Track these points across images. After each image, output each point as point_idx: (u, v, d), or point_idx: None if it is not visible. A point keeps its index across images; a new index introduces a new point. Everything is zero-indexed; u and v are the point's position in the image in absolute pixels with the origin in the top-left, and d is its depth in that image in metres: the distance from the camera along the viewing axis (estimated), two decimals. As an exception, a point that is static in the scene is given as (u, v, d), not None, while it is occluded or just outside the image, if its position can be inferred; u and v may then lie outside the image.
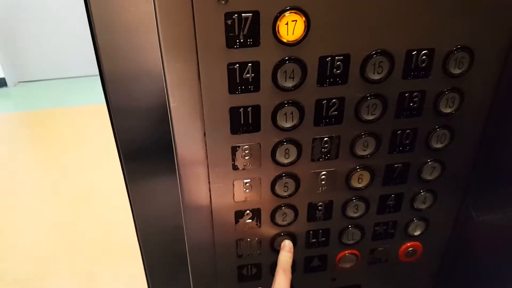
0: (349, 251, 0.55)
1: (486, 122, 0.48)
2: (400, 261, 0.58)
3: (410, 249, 0.57)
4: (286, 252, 0.50)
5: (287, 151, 0.44)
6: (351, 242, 0.54)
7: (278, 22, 0.36)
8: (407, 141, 0.47)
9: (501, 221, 0.49)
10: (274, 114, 0.41)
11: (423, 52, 0.41)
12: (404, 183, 0.50)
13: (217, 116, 0.41)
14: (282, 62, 0.38)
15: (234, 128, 0.42)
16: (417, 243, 0.57)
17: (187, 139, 0.41)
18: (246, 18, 0.36)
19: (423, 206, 0.53)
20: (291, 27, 0.36)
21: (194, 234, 0.49)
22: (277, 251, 0.52)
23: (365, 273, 0.58)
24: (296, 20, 0.36)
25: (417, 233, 0.56)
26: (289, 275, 0.48)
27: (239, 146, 0.43)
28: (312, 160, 0.46)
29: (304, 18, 0.36)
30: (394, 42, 0.40)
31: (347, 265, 0.56)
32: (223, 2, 0.34)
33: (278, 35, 0.37)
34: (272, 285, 0.48)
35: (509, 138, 0.47)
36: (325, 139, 0.44)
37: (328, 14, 0.37)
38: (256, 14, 0.36)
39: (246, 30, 0.36)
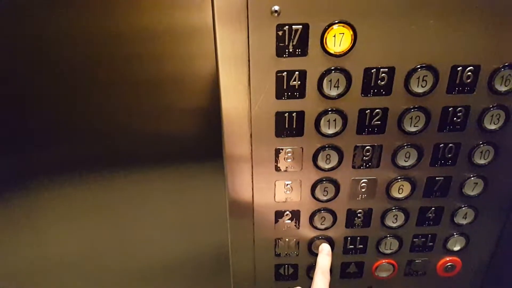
0: (386, 260, 0.56)
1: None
2: (438, 276, 0.58)
3: (449, 264, 0.57)
4: (325, 255, 0.52)
5: (328, 156, 0.46)
6: (388, 251, 0.55)
7: (326, 34, 0.39)
8: (450, 155, 0.47)
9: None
10: (318, 121, 0.44)
11: (469, 68, 0.42)
12: (445, 197, 0.51)
13: (264, 119, 0.44)
14: (328, 72, 0.41)
15: (279, 132, 0.44)
16: (456, 258, 0.56)
17: (235, 139, 0.45)
18: (296, 29, 0.38)
19: (464, 222, 0.53)
20: (338, 39, 0.39)
21: (236, 230, 0.52)
22: (314, 254, 0.54)
23: (402, 285, 0.59)
24: (343, 33, 0.39)
25: (456, 248, 0.55)
26: (328, 277, 0.50)
27: (282, 149, 0.46)
28: (353, 167, 0.47)
29: (351, 31, 0.39)
30: (439, 57, 0.41)
31: (384, 274, 0.57)
32: (276, 14, 0.37)
33: (326, 46, 0.39)
34: (311, 286, 0.49)
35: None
36: (367, 147, 0.46)
37: (375, 28, 0.39)
38: (305, 26, 0.38)
39: (295, 40, 0.39)
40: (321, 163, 0.47)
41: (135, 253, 0.61)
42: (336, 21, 0.38)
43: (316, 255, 0.54)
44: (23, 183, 0.54)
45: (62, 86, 0.48)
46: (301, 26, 0.38)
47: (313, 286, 0.49)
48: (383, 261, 0.56)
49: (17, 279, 0.61)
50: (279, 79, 0.41)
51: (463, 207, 0.52)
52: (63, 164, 0.53)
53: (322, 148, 0.46)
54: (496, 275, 0.58)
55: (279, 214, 0.51)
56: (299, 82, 0.41)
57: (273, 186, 0.48)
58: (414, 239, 0.54)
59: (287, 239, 0.53)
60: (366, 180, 0.49)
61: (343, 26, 0.38)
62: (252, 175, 0.48)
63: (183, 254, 0.61)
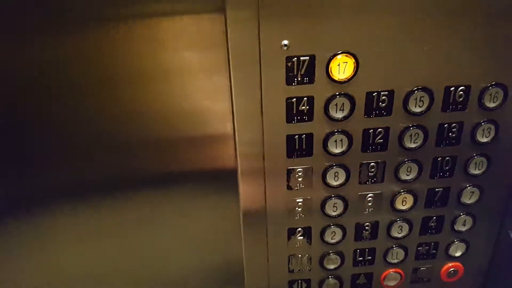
0: (393, 269, 0.59)
1: (523, 151, 0.52)
2: (442, 281, 0.61)
3: (452, 269, 0.60)
4: None
5: (336, 174, 0.50)
6: (395, 261, 0.58)
7: (331, 64, 0.43)
8: (447, 168, 0.51)
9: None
10: (325, 141, 0.47)
11: (460, 88, 0.46)
12: (444, 206, 0.54)
13: (276, 142, 0.47)
14: (333, 97, 0.44)
15: (290, 153, 0.48)
16: (458, 263, 0.60)
17: (249, 161, 0.48)
18: (304, 60, 0.42)
19: (463, 229, 0.56)
20: (342, 68, 0.43)
21: (251, 248, 0.55)
22: (326, 269, 0.57)
23: (409, 292, 0.62)
24: (346, 62, 0.43)
25: (458, 254, 0.59)
26: None
27: (293, 169, 0.49)
28: (360, 183, 0.51)
29: (353, 60, 0.43)
30: (433, 79, 0.45)
31: (392, 283, 0.60)
32: (285, 48, 0.41)
33: (331, 74, 0.43)
34: None
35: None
36: (372, 164, 0.50)
37: (375, 56, 0.43)
38: (312, 57, 0.42)
39: (303, 70, 0.43)
40: (330, 180, 0.50)
41: (148, 272, 0.62)
42: (340, 52, 0.42)
43: (328, 269, 0.57)
44: (32, 206, 0.55)
45: (70, 109, 0.50)
46: (308, 57, 0.42)
47: None
48: (391, 270, 0.59)
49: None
50: (289, 105, 0.44)
51: (461, 215, 0.55)
52: (75, 186, 0.55)
53: (330, 166, 0.49)
54: (496, 277, 0.61)
55: (291, 231, 0.54)
56: (307, 107, 0.45)
57: (286, 204, 0.51)
58: (419, 248, 0.58)
59: (299, 255, 0.56)
60: (372, 195, 0.52)
61: (346, 56, 0.42)
62: (265, 195, 0.51)
63: (197, 272, 0.63)
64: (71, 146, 0.52)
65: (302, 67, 0.43)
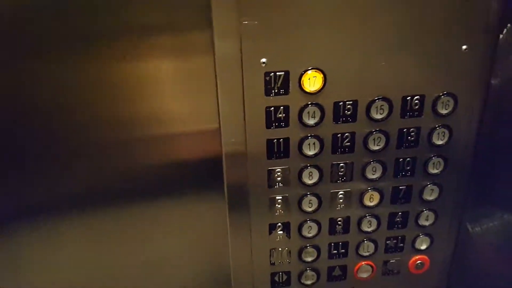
0: (365, 262, 0.65)
1: (475, 151, 0.59)
2: (410, 273, 0.67)
3: (419, 262, 0.66)
4: None
5: (311, 173, 0.56)
6: (366, 254, 0.64)
7: (303, 78, 0.50)
8: (408, 167, 0.58)
9: (490, 230, 0.59)
10: (300, 145, 0.54)
11: (416, 97, 0.53)
12: (408, 203, 0.61)
13: (257, 146, 0.54)
14: (305, 106, 0.51)
15: (270, 155, 0.54)
16: (424, 256, 0.66)
17: (234, 161, 0.55)
18: (280, 75, 0.49)
19: (427, 223, 0.63)
20: (312, 81, 0.50)
21: (236, 243, 0.61)
22: (304, 261, 0.63)
23: (381, 284, 0.68)
24: (316, 76, 0.50)
25: (423, 247, 0.65)
26: None
27: (273, 169, 0.56)
28: (331, 181, 0.58)
29: (322, 75, 0.50)
30: (391, 90, 0.52)
31: (364, 275, 0.66)
32: (264, 65, 0.48)
33: (303, 87, 0.50)
34: None
35: (491, 164, 0.58)
36: (341, 164, 0.56)
37: (340, 71, 0.50)
38: (286, 72, 0.49)
39: (279, 83, 0.50)
40: (305, 179, 0.56)
41: (139, 279, 0.67)
42: (310, 68, 0.49)
43: (306, 262, 0.63)
44: (30, 215, 0.59)
45: (69, 119, 0.54)
46: (283, 73, 0.49)
47: None
48: (363, 263, 0.65)
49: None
50: (268, 113, 0.51)
51: (424, 210, 0.62)
52: (71, 196, 0.58)
53: (305, 167, 0.56)
54: (459, 268, 0.68)
55: (272, 226, 0.60)
56: (283, 115, 0.51)
57: (267, 201, 0.58)
58: (387, 242, 0.64)
59: (280, 249, 0.62)
60: (342, 192, 0.59)
61: (315, 71, 0.49)
62: (249, 193, 0.57)
63: (188, 275, 0.68)
64: (65, 153, 0.56)
65: (279, 81, 0.50)
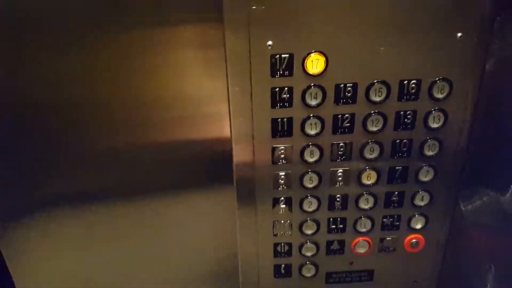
0: (362, 238, 0.69)
1: (469, 135, 0.62)
2: (406, 251, 0.71)
3: (414, 240, 0.70)
4: None
5: (312, 152, 0.60)
6: (363, 230, 0.68)
7: (306, 60, 0.53)
8: (405, 149, 0.61)
9: (481, 209, 0.62)
10: (303, 124, 0.58)
11: (412, 81, 0.56)
12: (404, 183, 0.64)
13: (263, 125, 0.58)
14: (308, 87, 0.55)
15: (274, 134, 0.58)
16: (419, 236, 0.69)
17: (242, 140, 0.59)
18: (284, 58, 0.53)
19: (422, 203, 0.66)
20: (315, 64, 0.53)
21: (243, 215, 0.65)
22: (304, 234, 0.67)
23: (377, 260, 0.71)
24: (318, 59, 0.53)
25: (418, 226, 0.68)
26: None
27: (277, 147, 0.60)
28: (331, 160, 0.61)
29: (324, 58, 0.53)
30: (390, 74, 0.55)
31: (362, 250, 0.70)
32: (270, 47, 0.52)
33: (306, 69, 0.54)
34: None
35: (484, 148, 0.61)
36: (341, 144, 0.60)
37: (341, 55, 0.53)
38: (291, 55, 0.53)
39: (284, 65, 0.53)
40: (307, 157, 0.60)
41: (145, 275, 0.70)
42: (313, 51, 0.53)
43: (306, 235, 0.67)
44: (35, 212, 0.61)
45: (72, 118, 0.56)
46: (287, 55, 0.53)
47: None
48: (360, 239, 0.69)
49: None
50: (273, 93, 0.55)
51: (420, 191, 0.64)
52: (77, 193, 0.61)
53: (307, 145, 0.60)
54: (454, 248, 0.71)
55: (276, 200, 0.64)
56: (288, 95, 0.55)
57: (271, 177, 0.62)
58: (384, 219, 0.67)
59: (282, 221, 0.66)
60: (342, 170, 0.62)
61: (318, 54, 0.53)
62: (255, 169, 0.61)
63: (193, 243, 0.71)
64: (67, 153, 0.58)
65: (283, 63, 0.54)
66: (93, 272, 0.68)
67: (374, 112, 0.58)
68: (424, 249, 0.71)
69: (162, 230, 0.67)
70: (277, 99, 0.56)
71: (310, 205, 0.64)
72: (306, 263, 0.70)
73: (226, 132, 0.60)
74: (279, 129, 0.58)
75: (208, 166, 0.64)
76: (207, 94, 0.59)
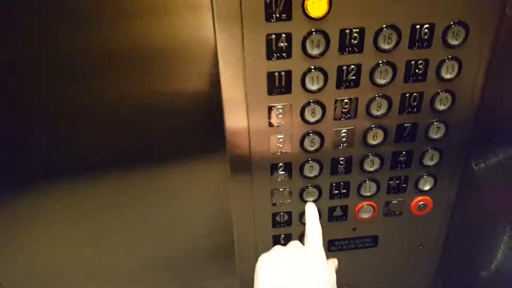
0: (367, 202, 0.64)
1: (484, 87, 0.56)
2: (412, 215, 0.66)
3: (421, 203, 0.65)
4: (311, 207, 0.58)
5: (313, 110, 0.54)
6: (368, 194, 0.63)
7: (306, 1, 0.46)
8: (415, 103, 0.55)
9: (496, 167, 0.57)
10: (303, 78, 0.51)
11: (425, 26, 0.50)
12: (413, 141, 0.59)
13: (257, 79, 0.51)
14: (309, 34, 0.48)
15: (270, 90, 0.52)
16: (427, 197, 0.65)
17: (232, 99, 0.52)
18: (282, -3, 0.46)
19: (431, 163, 0.61)
20: (316, 5, 0.46)
21: (237, 183, 0.59)
22: (305, 201, 0.62)
23: (382, 225, 0.67)
24: (320, -1, 0.46)
25: (426, 188, 0.64)
26: (319, 227, 0.54)
27: (274, 106, 0.53)
28: (335, 119, 0.55)
29: (326, -3, 0.46)
30: (400, 17, 0.49)
31: (366, 216, 0.65)
32: (264, -15, 0.45)
33: (307, 11, 0.46)
34: (305, 239, 0.53)
35: (502, 100, 0.56)
36: (345, 100, 0.54)
37: (346, -6, 0.47)
38: (288, -6, 0.45)
39: (281, 7, 0.46)
40: (308, 117, 0.54)
41: (140, 249, 0.66)
42: (314, -11, 0.46)
43: (307, 202, 0.62)
44: (16, 186, 0.58)
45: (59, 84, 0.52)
46: (285, -6, 0.45)
47: (307, 238, 0.52)
48: (364, 203, 0.64)
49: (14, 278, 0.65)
50: (268, 41, 0.48)
51: (429, 149, 0.60)
52: (63, 166, 0.57)
53: (308, 103, 0.53)
54: (463, 210, 0.67)
55: (274, 167, 0.58)
56: (286, 44, 0.48)
57: (268, 140, 0.56)
58: (390, 182, 0.63)
59: (281, 189, 0.60)
60: (345, 130, 0.56)
61: (320, -7, 0.46)
62: (249, 131, 0.55)
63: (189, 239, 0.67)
64: (57, 124, 0.54)
65: (280, 4, 0.46)
66: (85, 244, 0.65)
67: (383, 62, 0.51)
68: (432, 211, 0.67)
69: (151, 202, 0.63)
70: (273, 48, 0.49)
71: (312, 170, 0.59)
72: (306, 231, 0.65)
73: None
74: (276, 84, 0.51)
75: (199, 131, 0.57)
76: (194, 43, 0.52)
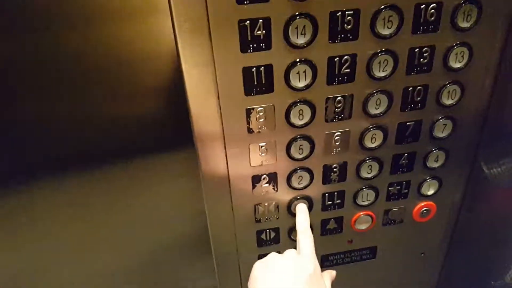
0: (364, 212, 0.56)
1: (496, 77, 0.48)
2: (414, 222, 0.59)
3: (424, 209, 0.58)
4: (302, 214, 0.51)
5: (301, 112, 0.45)
6: (365, 203, 0.55)
7: (288, -23, 0.37)
8: (419, 98, 0.47)
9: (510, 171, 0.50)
10: (287, 74, 0.42)
11: (432, 5, 0.41)
12: (416, 141, 0.51)
13: (231, 77, 0.41)
14: (293, 18, 0.39)
15: (248, 89, 0.42)
16: (431, 202, 0.58)
17: (201, 102, 0.42)
18: (257, -28, 0.36)
19: (436, 165, 0.54)
20: (301, -19, 0.37)
21: (213, 202, 0.50)
22: (294, 215, 0.53)
23: (381, 235, 0.59)
24: (306, -26, 0.37)
25: (430, 192, 0.56)
26: (310, 234, 0.48)
27: (253, 108, 0.44)
28: (326, 120, 0.46)
29: (313, -29, 0.37)
30: (403, -5, 0.40)
31: (363, 227, 0.57)
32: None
33: (288, -11, 0.37)
34: (297, 247, 0.48)
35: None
36: (338, 98, 0.45)
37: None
38: (266, -32, 0.36)
39: (256, -16, 0.36)
40: (294, 119, 0.45)
41: (118, 246, 0.59)
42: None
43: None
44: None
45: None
46: (261, -32, 0.36)
47: (299, 246, 0.47)
48: (361, 213, 0.56)
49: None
50: (242, 29, 0.38)
51: (434, 150, 0.52)
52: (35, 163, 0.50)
53: (294, 103, 0.44)
54: (469, 215, 0.60)
55: (256, 179, 0.49)
56: (264, 32, 0.39)
57: (248, 150, 0.46)
58: (390, 188, 0.55)
59: (266, 204, 0.52)
60: (339, 133, 0.48)
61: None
62: (224, 141, 0.45)
63: (166, 240, 0.59)
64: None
65: (255, -18, 0.37)
66: (60, 239, 0.57)
67: (382, 51, 0.43)
68: (435, 217, 0.60)
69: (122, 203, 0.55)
70: (249, 37, 0.39)
71: (301, 180, 0.50)
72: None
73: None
74: (255, 82, 0.42)
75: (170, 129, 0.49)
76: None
